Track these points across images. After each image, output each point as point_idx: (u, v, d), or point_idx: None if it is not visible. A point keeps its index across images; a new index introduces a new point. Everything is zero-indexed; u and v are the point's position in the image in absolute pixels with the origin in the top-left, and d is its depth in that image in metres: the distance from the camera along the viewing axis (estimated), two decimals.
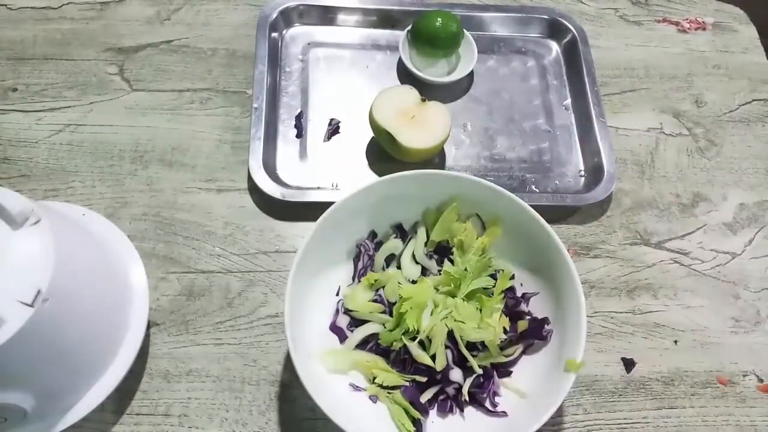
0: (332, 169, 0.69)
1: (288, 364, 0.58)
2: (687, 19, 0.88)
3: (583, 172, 0.73)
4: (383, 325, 0.56)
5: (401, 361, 0.55)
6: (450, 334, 0.54)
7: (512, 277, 0.58)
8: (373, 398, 0.53)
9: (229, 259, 0.63)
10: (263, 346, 0.59)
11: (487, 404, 0.53)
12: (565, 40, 0.81)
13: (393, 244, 0.60)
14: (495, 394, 0.54)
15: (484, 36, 0.81)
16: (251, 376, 0.57)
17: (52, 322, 0.43)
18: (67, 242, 0.46)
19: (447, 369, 0.53)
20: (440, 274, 0.58)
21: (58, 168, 0.66)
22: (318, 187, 0.67)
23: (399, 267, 0.60)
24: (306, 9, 0.78)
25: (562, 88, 0.78)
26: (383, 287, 0.57)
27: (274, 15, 0.76)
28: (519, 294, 0.58)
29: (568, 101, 0.77)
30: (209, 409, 0.56)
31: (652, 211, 0.71)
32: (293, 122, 0.71)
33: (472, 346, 0.55)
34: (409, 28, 0.75)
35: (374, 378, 0.53)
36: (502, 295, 0.56)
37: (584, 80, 0.76)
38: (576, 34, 0.80)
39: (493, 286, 0.56)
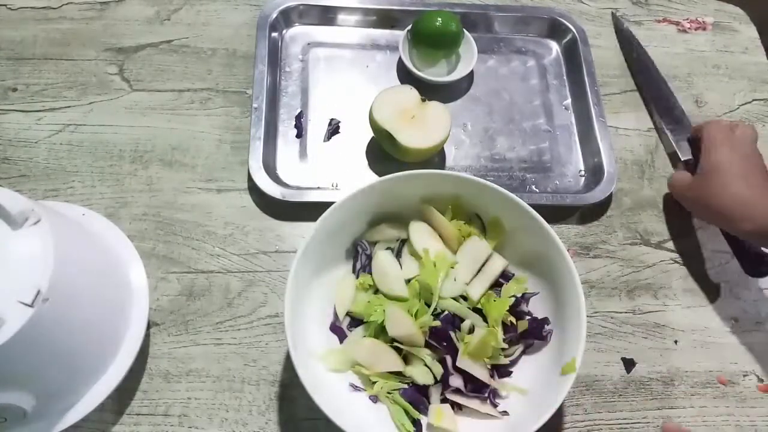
0: (332, 169, 0.69)
1: (288, 364, 0.58)
2: (687, 19, 0.88)
3: (583, 172, 0.73)
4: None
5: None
6: None
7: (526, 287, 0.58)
8: (373, 398, 0.53)
9: (229, 259, 0.63)
10: (263, 346, 0.59)
11: (488, 404, 0.53)
12: (565, 40, 0.81)
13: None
14: (495, 394, 0.54)
15: (484, 36, 0.81)
16: (251, 376, 0.57)
17: (52, 322, 0.43)
18: (67, 242, 0.46)
19: (446, 375, 0.53)
20: None
21: (58, 168, 0.66)
22: (318, 187, 0.67)
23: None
24: (306, 9, 0.78)
25: (562, 88, 0.78)
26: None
27: (274, 15, 0.76)
28: (519, 294, 0.58)
29: (568, 101, 0.77)
30: (209, 409, 0.56)
31: (652, 211, 0.71)
32: (293, 122, 0.71)
33: None
34: (409, 28, 0.75)
35: (374, 383, 0.53)
36: (512, 299, 0.56)
37: (584, 80, 0.76)
38: (576, 34, 0.80)
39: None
